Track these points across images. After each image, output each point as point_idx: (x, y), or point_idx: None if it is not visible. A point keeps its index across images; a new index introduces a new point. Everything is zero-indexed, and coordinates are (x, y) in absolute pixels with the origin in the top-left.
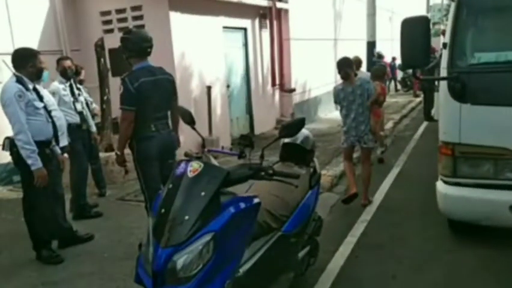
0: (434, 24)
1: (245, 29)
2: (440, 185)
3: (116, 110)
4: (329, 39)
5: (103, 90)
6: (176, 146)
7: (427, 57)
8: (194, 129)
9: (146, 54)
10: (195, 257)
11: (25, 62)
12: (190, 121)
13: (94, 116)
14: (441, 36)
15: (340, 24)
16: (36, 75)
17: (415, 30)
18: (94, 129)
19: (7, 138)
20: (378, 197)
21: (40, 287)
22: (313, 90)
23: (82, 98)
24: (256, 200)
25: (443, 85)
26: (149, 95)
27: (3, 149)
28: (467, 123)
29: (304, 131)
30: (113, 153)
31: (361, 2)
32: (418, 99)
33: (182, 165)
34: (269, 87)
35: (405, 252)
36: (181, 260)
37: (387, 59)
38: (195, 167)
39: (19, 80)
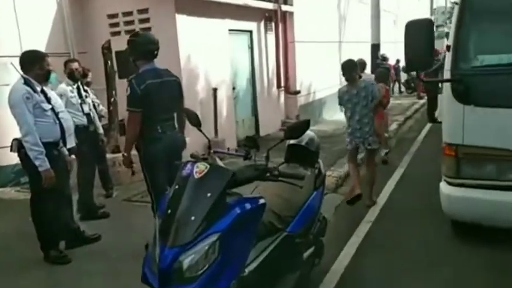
0: (437, 26)
1: (251, 32)
2: (443, 186)
3: (123, 112)
4: (333, 42)
5: (110, 92)
6: (182, 147)
7: (431, 59)
8: (200, 130)
9: (152, 56)
10: (201, 257)
11: (33, 64)
12: (196, 123)
13: (101, 117)
14: (445, 39)
15: (344, 26)
16: (44, 78)
17: (419, 33)
18: (101, 130)
19: (15, 139)
20: (383, 198)
21: (47, 286)
22: (319, 92)
23: (89, 100)
24: (261, 201)
25: (446, 87)
26: (156, 97)
27: (11, 150)
28: (470, 124)
29: (309, 133)
30: (120, 155)
31: (365, 5)
32: (422, 101)
33: (189, 166)
34: (274, 89)
35: (410, 254)
36: (187, 260)
37: (392, 61)
38: (200, 168)
39: (27, 82)
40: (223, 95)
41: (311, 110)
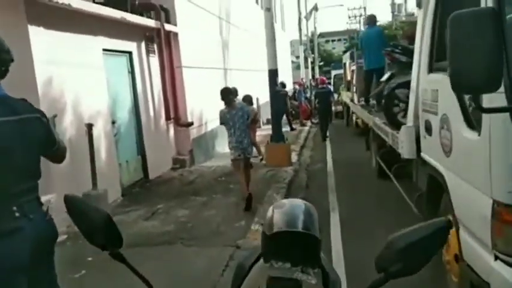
0: (297, 57)
1: (130, 53)
2: (499, 267)
3: None
4: (221, 69)
5: None
6: (54, 241)
7: (499, 72)
8: (133, 270)
9: None
10: None
11: None
12: (111, 240)
13: None
14: (304, 69)
15: (228, 53)
16: None
17: (479, 32)
18: None
19: None
20: (339, 260)
21: None
22: (210, 123)
23: None
24: None
25: (491, 119)
26: (5, 150)
27: None
28: None
29: (299, 203)
30: None
31: (248, 32)
32: (306, 128)
33: None
34: (163, 121)
35: None
36: None
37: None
38: None
39: None
40: (100, 132)
41: (204, 143)
